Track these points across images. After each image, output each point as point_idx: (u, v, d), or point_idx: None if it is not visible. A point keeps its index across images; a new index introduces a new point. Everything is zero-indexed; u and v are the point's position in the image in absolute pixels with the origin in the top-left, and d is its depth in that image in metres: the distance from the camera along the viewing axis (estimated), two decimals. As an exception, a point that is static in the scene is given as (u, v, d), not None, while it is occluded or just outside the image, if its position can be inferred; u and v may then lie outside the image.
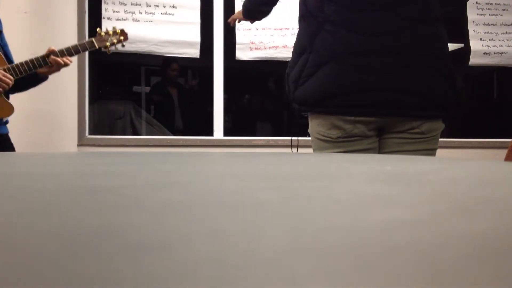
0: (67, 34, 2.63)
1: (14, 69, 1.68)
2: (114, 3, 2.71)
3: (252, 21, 1.53)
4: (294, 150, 1.32)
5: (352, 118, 1.10)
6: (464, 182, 0.34)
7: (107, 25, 2.68)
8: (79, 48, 1.77)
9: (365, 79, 1.08)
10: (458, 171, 0.43)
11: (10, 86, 1.65)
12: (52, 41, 2.56)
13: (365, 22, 1.09)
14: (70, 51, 1.74)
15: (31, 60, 1.69)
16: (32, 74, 1.72)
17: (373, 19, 1.09)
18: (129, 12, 2.73)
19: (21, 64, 1.68)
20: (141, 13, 2.74)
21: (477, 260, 0.12)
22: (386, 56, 1.08)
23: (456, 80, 1.16)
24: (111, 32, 1.87)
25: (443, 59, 1.13)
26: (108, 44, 1.85)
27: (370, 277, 0.11)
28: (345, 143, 1.12)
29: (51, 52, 1.71)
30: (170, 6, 2.77)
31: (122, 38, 1.89)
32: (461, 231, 0.16)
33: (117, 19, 2.70)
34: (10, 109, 1.70)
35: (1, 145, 1.70)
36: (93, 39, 1.82)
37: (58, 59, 1.70)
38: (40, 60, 1.70)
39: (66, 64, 1.72)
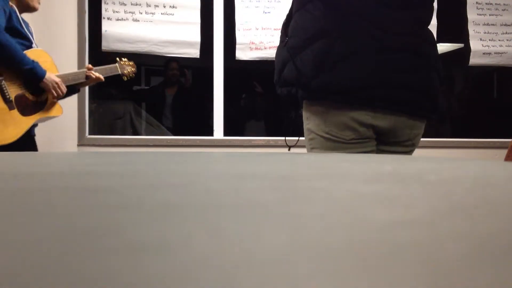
0: (67, 34, 2.63)
1: (65, 77, 1.89)
2: (114, 3, 2.71)
3: None
4: (291, 149, 1.30)
5: (370, 116, 1.08)
6: (464, 182, 0.34)
7: (107, 25, 2.68)
8: (108, 70, 2.06)
9: (394, 75, 1.08)
10: (458, 171, 0.43)
11: (64, 94, 1.88)
12: (52, 41, 2.56)
13: (390, 19, 1.09)
14: (102, 72, 2.02)
15: (76, 72, 1.95)
16: (72, 85, 1.95)
17: (396, 17, 1.10)
18: (129, 12, 2.72)
19: (70, 74, 1.92)
20: (141, 13, 2.74)
21: (477, 260, 0.12)
22: (408, 56, 1.09)
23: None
24: (127, 62, 2.15)
25: (439, 62, 1.17)
26: (126, 72, 2.13)
27: (370, 277, 0.11)
28: (356, 144, 1.09)
29: (89, 69, 1.96)
30: (170, 6, 2.77)
31: (134, 69, 2.16)
32: (461, 231, 0.16)
33: (117, 19, 2.70)
34: (61, 109, 1.95)
35: (31, 145, 1.88)
36: (117, 66, 2.10)
37: (95, 73, 1.97)
38: (84, 73, 1.96)
39: (98, 79, 1.98)
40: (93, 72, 1.96)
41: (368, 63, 1.07)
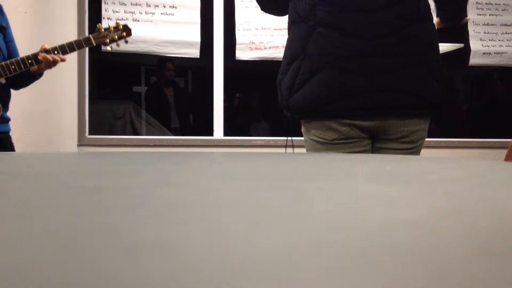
0: (67, 34, 2.63)
1: (3, 68, 1.64)
2: (114, 3, 2.71)
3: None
4: (289, 150, 1.33)
5: (348, 121, 1.11)
6: (464, 182, 0.34)
7: (107, 25, 2.68)
8: (74, 45, 1.73)
9: (358, 82, 1.08)
10: (458, 171, 0.43)
11: None
12: (52, 41, 2.55)
13: (357, 24, 1.08)
14: (64, 49, 1.71)
15: (22, 59, 1.65)
16: (25, 72, 1.68)
17: (365, 20, 1.08)
18: (129, 12, 2.72)
19: (11, 62, 1.64)
20: (141, 13, 2.74)
21: (477, 260, 0.12)
22: (378, 58, 1.08)
23: (446, 78, 1.16)
24: (112, 28, 1.80)
25: (434, 58, 1.13)
26: (107, 40, 1.78)
27: (370, 277, 0.11)
28: (340, 145, 1.13)
29: (43, 50, 1.67)
30: (170, 6, 2.77)
31: (124, 34, 1.81)
32: (461, 231, 0.16)
33: (117, 19, 2.70)
34: None
35: (4, 144, 1.69)
36: (90, 36, 1.75)
37: (48, 56, 1.65)
38: (31, 58, 1.66)
39: (55, 61, 1.67)
40: (45, 54, 1.64)
41: (331, 77, 1.09)
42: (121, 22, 1.88)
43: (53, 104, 2.60)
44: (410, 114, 1.12)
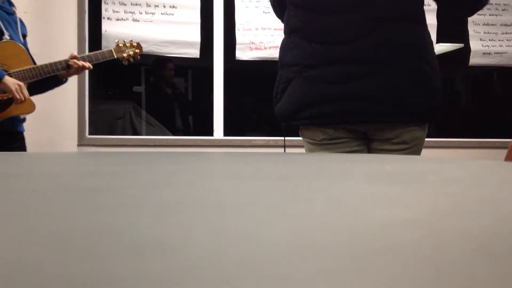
0: (67, 34, 2.63)
1: (38, 70, 1.76)
2: (114, 3, 2.71)
3: None
4: (285, 150, 1.37)
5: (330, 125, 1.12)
6: (464, 182, 0.34)
7: (107, 25, 2.68)
8: (99, 56, 1.89)
9: (330, 89, 1.08)
10: (458, 171, 0.43)
11: (25, 99, 1.69)
12: (52, 41, 2.56)
13: (330, 29, 1.07)
14: (90, 58, 1.86)
15: (55, 63, 1.78)
16: (53, 76, 1.80)
17: (339, 24, 1.06)
18: (129, 12, 2.72)
19: (45, 65, 1.76)
20: (141, 13, 2.74)
21: (477, 260, 0.12)
22: (351, 65, 1.06)
23: (436, 82, 1.09)
24: (128, 44, 1.99)
25: (421, 62, 1.07)
26: (125, 55, 1.97)
27: (370, 277, 0.11)
28: (330, 145, 1.13)
29: (73, 57, 1.81)
30: (170, 6, 2.77)
31: (137, 51, 2.02)
32: (461, 231, 0.16)
33: (117, 19, 2.70)
34: (32, 106, 1.77)
35: (18, 143, 1.77)
36: (113, 49, 1.93)
37: (78, 62, 1.79)
38: (63, 63, 1.79)
39: (84, 68, 1.81)
40: (76, 61, 1.78)
41: (304, 85, 1.11)
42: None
43: (53, 104, 2.60)
44: (385, 122, 1.09)
